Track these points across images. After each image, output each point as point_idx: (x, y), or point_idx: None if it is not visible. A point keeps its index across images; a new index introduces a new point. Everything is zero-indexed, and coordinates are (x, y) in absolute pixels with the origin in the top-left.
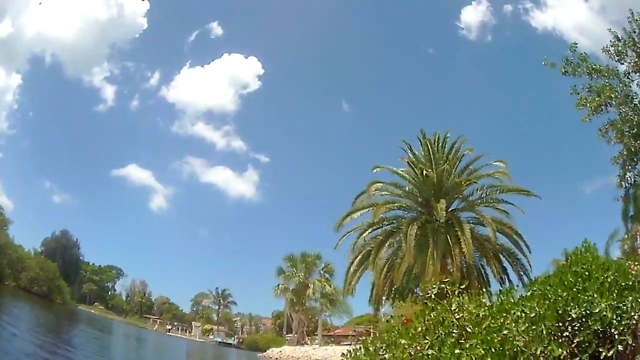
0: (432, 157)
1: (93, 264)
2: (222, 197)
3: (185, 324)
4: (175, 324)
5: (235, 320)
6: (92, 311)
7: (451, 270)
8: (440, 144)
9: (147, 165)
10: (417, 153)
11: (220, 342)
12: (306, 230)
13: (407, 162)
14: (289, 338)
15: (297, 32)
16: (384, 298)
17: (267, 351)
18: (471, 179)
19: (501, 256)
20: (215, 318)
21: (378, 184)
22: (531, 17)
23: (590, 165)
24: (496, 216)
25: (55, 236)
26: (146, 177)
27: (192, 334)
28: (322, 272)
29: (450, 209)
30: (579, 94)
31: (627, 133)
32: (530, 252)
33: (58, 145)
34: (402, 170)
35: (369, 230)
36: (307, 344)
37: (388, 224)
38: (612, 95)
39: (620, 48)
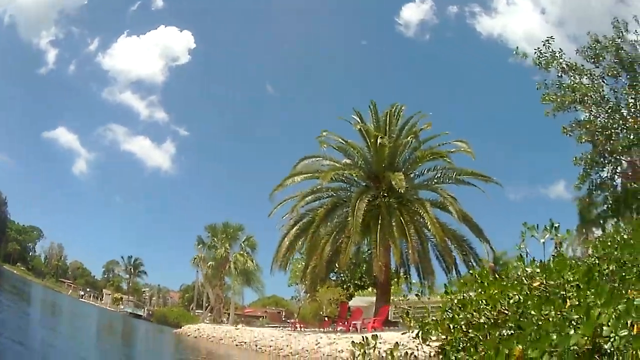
0: (387, 127)
1: (18, 223)
2: (140, 166)
3: (97, 291)
4: (88, 290)
5: (144, 291)
6: (15, 272)
7: (406, 253)
8: (394, 116)
9: (75, 129)
10: (368, 123)
11: (130, 312)
12: (220, 208)
13: (360, 129)
14: (199, 314)
15: (232, 12)
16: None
17: (183, 328)
18: (435, 152)
19: (451, 244)
20: (125, 287)
21: (326, 146)
22: (477, 22)
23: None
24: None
25: None
26: (72, 140)
27: (103, 301)
28: (243, 245)
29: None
30: (548, 89)
31: (598, 134)
32: (489, 242)
33: None
34: (350, 142)
35: (310, 198)
36: (225, 323)
37: (333, 194)
38: (587, 94)
39: (598, 51)
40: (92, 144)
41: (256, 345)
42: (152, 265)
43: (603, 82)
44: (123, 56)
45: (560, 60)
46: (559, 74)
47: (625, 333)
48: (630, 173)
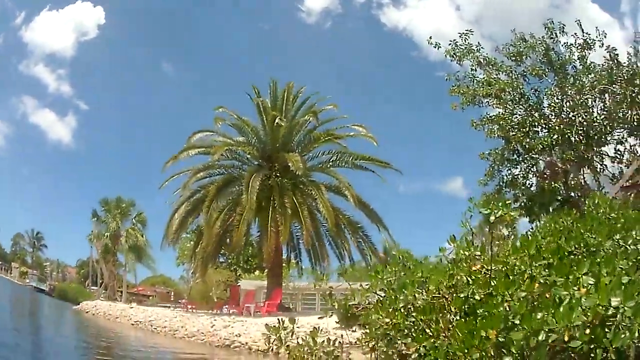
0: (284, 106)
1: None
2: (44, 139)
3: (7, 264)
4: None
5: (46, 266)
6: None
7: (297, 237)
8: (292, 96)
9: None
10: (267, 101)
11: (35, 286)
12: (116, 183)
13: (257, 105)
14: (94, 290)
15: None
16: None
17: (81, 304)
18: (331, 134)
19: (347, 231)
20: (30, 261)
21: (220, 122)
22: (382, 13)
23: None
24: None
25: None
26: None
27: (12, 275)
28: (134, 221)
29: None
30: (458, 80)
31: (515, 130)
32: (387, 230)
33: None
34: (245, 119)
35: (202, 174)
36: (118, 301)
37: (225, 171)
38: (505, 90)
39: (522, 49)
40: (5, 116)
41: (151, 325)
42: (53, 239)
43: (525, 80)
44: (42, 30)
45: (477, 54)
46: (474, 68)
47: (633, 304)
48: (547, 173)
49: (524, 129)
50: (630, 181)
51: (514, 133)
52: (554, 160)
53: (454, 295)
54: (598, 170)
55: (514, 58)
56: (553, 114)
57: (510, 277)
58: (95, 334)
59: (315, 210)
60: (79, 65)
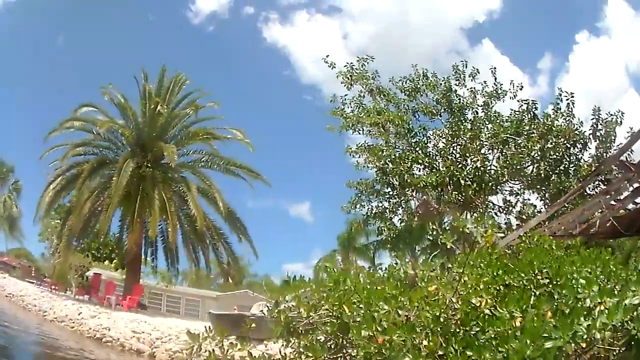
0: (167, 96)
1: None
2: None
3: None
4: None
5: None
6: None
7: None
8: (177, 87)
9: None
10: (151, 87)
11: None
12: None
13: (143, 89)
14: None
15: None
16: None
17: None
18: (209, 132)
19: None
20: None
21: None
22: (267, 26)
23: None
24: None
25: None
26: None
27: None
28: (11, 188)
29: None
30: (344, 104)
31: (395, 163)
32: (251, 242)
33: None
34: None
35: (81, 149)
36: None
37: (101, 152)
38: (395, 121)
39: (420, 85)
40: None
41: (23, 301)
42: None
43: (414, 116)
44: None
45: (370, 82)
46: (363, 94)
47: None
48: (420, 211)
49: (406, 164)
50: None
51: (394, 166)
52: (429, 200)
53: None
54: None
55: (408, 92)
56: (439, 154)
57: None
58: None
59: (182, 209)
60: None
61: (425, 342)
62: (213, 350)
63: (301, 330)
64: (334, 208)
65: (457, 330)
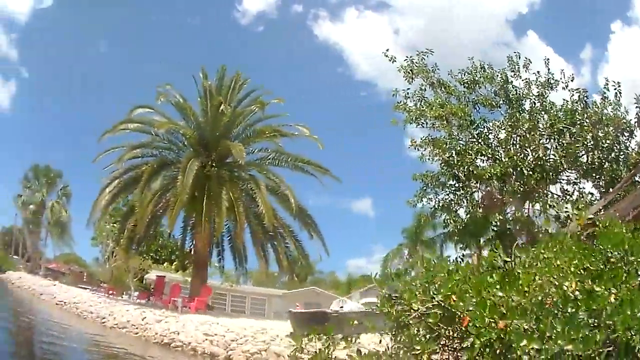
0: (229, 94)
1: None
2: None
3: None
4: None
5: None
6: None
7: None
8: (239, 85)
9: None
10: (212, 85)
11: None
12: (52, 153)
13: (204, 88)
14: (16, 260)
15: None
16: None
17: (7, 274)
18: (276, 130)
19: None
20: None
21: (163, 98)
22: (317, 24)
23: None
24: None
25: None
26: None
27: None
28: (60, 193)
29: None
30: (407, 98)
31: (460, 155)
32: (322, 239)
33: None
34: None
35: (138, 151)
36: (39, 275)
37: (161, 153)
38: (457, 113)
39: (478, 78)
40: None
41: (77, 308)
42: None
43: (475, 108)
44: None
45: (431, 75)
46: (424, 87)
47: None
48: (485, 203)
49: (470, 156)
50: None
51: (459, 158)
52: (493, 191)
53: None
54: (548, 206)
55: (467, 85)
56: (500, 145)
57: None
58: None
59: (251, 207)
60: (30, 31)
61: (534, 326)
62: (320, 349)
63: (408, 323)
64: (395, 203)
65: (556, 312)
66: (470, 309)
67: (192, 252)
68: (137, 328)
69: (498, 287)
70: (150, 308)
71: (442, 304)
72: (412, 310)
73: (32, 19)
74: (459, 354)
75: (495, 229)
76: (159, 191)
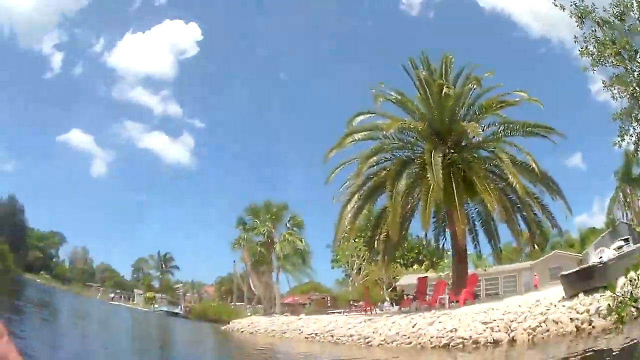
0: (443, 77)
1: (38, 230)
2: (159, 162)
3: (128, 292)
4: (118, 291)
5: (177, 287)
6: (37, 280)
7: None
8: (448, 67)
9: (89, 130)
10: (424, 73)
11: (166, 311)
12: (244, 195)
13: (418, 78)
14: (239, 306)
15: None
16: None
17: (232, 323)
18: (502, 101)
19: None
20: (157, 285)
21: (382, 99)
22: None
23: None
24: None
25: (3, 202)
26: (87, 141)
27: (135, 302)
28: (289, 225)
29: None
30: (586, 43)
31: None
32: (566, 201)
33: (5, 115)
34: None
35: (374, 159)
36: (275, 314)
37: (394, 154)
38: (624, 47)
39: (624, 8)
40: (109, 144)
41: (332, 336)
42: (181, 260)
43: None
44: (130, 53)
45: (594, 14)
46: (594, 29)
47: None
48: None
49: None
50: None
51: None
52: None
53: None
54: None
55: (618, 18)
56: None
57: None
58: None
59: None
60: (183, 83)
61: None
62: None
63: None
64: (602, 152)
65: None
66: None
67: (452, 243)
68: (408, 337)
69: None
70: (415, 314)
71: None
72: None
73: (179, 71)
74: None
75: None
76: (404, 193)
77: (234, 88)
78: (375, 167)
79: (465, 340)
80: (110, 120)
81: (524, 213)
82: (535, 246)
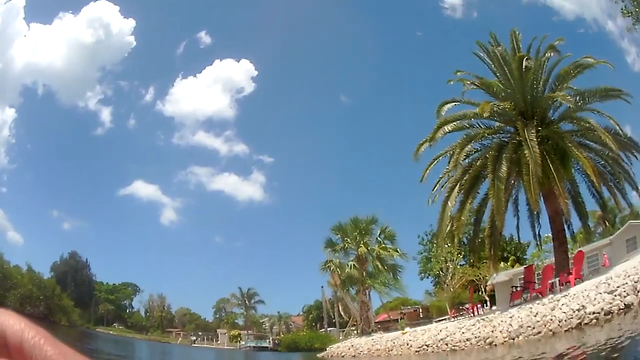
0: (516, 52)
1: (107, 283)
2: (232, 202)
3: (210, 333)
4: (200, 334)
5: (263, 322)
6: (110, 332)
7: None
8: (517, 44)
9: (153, 180)
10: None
11: (254, 346)
12: (320, 224)
13: (496, 57)
14: (331, 331)
15: (285, 28)
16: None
17: (330, 349)
18: (580, 65)
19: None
20: (241, 323)
21: (468, 83)
22: None
23: None
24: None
25: (64, 259)
26: (153, 191)
27: (218, 342)
28: (379, 239)
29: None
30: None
31: None
32: None
33: (61, 174)
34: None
35: (469, 148)
36: (374, 332)
37: (490, 136)
38: None
39: None
40: (176, 191)
41: (446, 345)
42: (266, 294)
43: None
44: (184, 99)
45: None
46: None
47: None
48: None
49: None
50: None
51: None
52: None
53: None
54: None
55: None
56: None
57: None
58: None
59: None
60: (245, 121)
61: None
62: None
63: None
64: None
65: None
66: None
67: (551, 226)
68: (534, 328)
69: None
70: (531, 303)
71: None
72: None
73: (240, 110)
74: None
75: None
76: (504, 178)
77: (298, 119)
78: (468, 157)
79: (598, 314)
80: (175, 167)
81: (618, 181)
82: (606, 222)
